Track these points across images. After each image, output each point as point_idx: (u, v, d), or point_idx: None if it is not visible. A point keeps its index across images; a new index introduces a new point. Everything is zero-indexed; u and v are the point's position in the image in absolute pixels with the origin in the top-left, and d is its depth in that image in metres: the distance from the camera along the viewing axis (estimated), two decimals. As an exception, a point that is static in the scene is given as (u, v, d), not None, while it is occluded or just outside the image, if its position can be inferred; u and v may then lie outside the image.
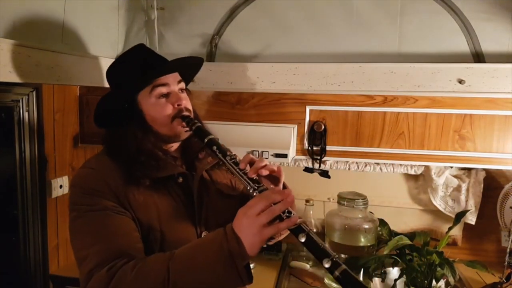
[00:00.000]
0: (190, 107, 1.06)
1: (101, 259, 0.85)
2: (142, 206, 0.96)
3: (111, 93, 1.07)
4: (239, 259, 0.77)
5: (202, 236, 1.02)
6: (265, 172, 0.93)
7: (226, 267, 0.77)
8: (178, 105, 1.01)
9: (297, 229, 0.79)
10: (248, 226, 0.77)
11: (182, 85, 1.07)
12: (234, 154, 0.97)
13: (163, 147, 1.05)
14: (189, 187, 1.05)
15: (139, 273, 0.81)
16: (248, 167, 0.93)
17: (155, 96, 1.00)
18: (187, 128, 1.02)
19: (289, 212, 0.80)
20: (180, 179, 1.04)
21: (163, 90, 1.01)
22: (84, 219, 0.92)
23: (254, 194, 0.87)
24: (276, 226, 0.77)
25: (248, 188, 0.90)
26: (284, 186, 1.03)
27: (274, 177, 0.98)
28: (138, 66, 1.03)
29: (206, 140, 0.98)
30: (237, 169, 0.93)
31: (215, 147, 0.97)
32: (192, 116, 1.05)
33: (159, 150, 1.03)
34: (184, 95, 1.06)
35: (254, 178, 0.91)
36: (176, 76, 1.05)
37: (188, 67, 1.13)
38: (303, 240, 0.78)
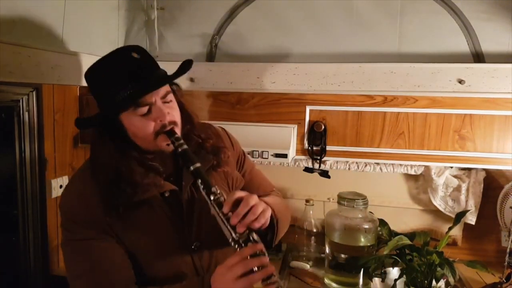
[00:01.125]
0: (176, 117, 0.98)
1: None
2: (124, 231, 0.96)
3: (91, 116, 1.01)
4: None
5: (193, 247, 1.01)
6: (252, 225, 0.90)
7: None
8: (160, 121, 0.94)
9: None
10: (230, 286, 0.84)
11: (168, 97, 0.97)
12: (220, 192, 0.92)
13: (147, 159, 0.98)
14: (177, 200, 1.00)
15: None
16: (230, 213, 0.89)
17: (135, 115, 0.93)
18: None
19: (268, 277, 0.86)
20: (167, 194, 0.99)
21: (144, 109, 0.93)
22: (70, 248, 0.97)
23: (236, 247, 0.88)
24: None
25: (230, 240, 0.89)
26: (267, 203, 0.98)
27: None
28: (117, 80, 0.93)
29: (191, 169, 0.93)
30: (220, 213, 0.90)
31: (199, 181, 0.92)
32: (178, 125, 0.98)
33: (143, 164, 0.96)
34: (169, 105, 0.97)
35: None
36: (158, 90, 0.94)
37: (173, 79, 1.01)
38: None
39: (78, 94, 1.81)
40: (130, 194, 0.92)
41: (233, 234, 0.89)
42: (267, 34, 1.69)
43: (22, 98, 1.52)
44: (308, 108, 1.62)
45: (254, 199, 0.92)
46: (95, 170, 0.96)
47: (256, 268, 0.86)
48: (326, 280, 1.59)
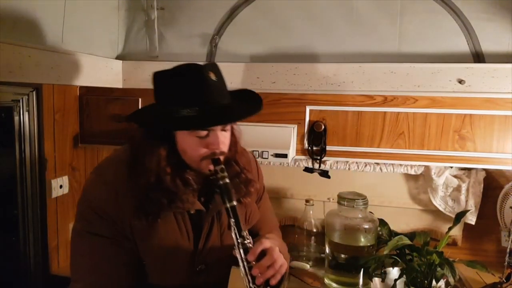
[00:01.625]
0: (227, 147, 0.99)
1: None
2: (143, 233, 0.96)
3: (152, 113, 0.98)
4: None
5: (198, 268, 1.01)
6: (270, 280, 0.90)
7: None
8: (214, 148, 0.94)
9: None
10: None
11: (228, 126, 0.98)
12: (249, 237, 0.92)
13: (185, 174, 0.97)
14: (200, 220, 1.01)
15: None
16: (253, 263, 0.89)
17: (193, 135, 0.93)
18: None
19: None
20: (193, 211, 1.00)
21: (203, 133, 0.93)
22: (82, 239, 0.95)
23: None
24: None
25: (246, 284, 0.90)
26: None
27: None
28: (188, 97, 0.91)
29: (227, 206, 0.92)
30: (245, 259, 0.90)
31: (233, 221, 0.91)
32: (225, 154, 0.97)
33: (181, 177, 0.96)
34: (225, 134, 0.98)
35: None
36: None
37: (247, 117, 0.97)
38: None
39: (78, 94, 1.81)
40: (164, 204, 0.92)
41: (250, 284, 0.90)
42: (267, 34, 1.69)
43: (22, 98, 1.52)
44: (308, 108, 1.62)
45: (276, 252, 0.92)
46: (137, 172, 0.94)
47: None
48: (326, 280, 1.59)
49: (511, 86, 1.46)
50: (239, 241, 0.90)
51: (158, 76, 0.96)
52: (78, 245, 0.97)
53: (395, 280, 1.44)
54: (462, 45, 1.56)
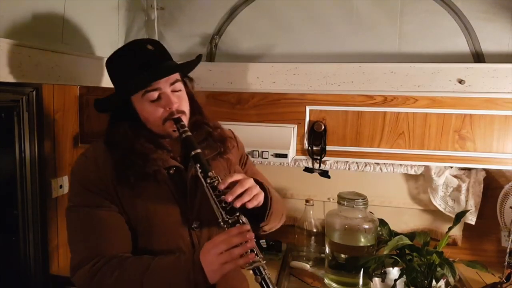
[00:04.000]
0: (184, 107, 1.07)
1: (85, 256, 0.99)
2: (130, 200, 1.03)
3: (106, 97, 1.09)
4: (202, 286, 0.93)
5: (193, 226, 1.06)
6: (246, 205, 0.96)
7: None
8: (168, 108, 1.03)
9: (255, 270, 0.93)
10: (211, 263, 0.91)
11: (177, 85, 1.06)
12: (216, 176, 0.99)
13: (158, 139, 1.07)
14: (182, 178, 1.07)
15: (117, 280, 0.95)
16: (226, 192, 0.96)
17: (146, 100, 1.02)
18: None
19: (252, 251, 0.93)
20: (172, 170, 1.06)
21: (154, 95, 1.02)
22: (75, 214, 1.04)
23: (225, 227, 0.96)
24: (234, 263, 0.91)
25: (220, 220, 0.97)
26: (259, 183, 1.05)
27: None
28: (131, 67, 1.03)
29: (191, 154, 1.01)
30: (214, 195, 0.97)
31: (198, 165, 1.00)
32: (186, 114, 1.06)
33: (153, 142, 1.05)
34: (178, 94, 1.06)
35: (231, 206, 0.96)
36: (168, 78, 1.03)
37: (180, 69, 1.10)
38: (258, 281, 0.93)
39: (78, 94, 1.81)
40: (140, 165, 1.00)
41: (224, 215, 0.96)
42: (267, 34, 1.69)
43: (22, 98, 1.52)
44: (308, 108, 1.62)
45: (249, 182, 0.98)
46: (110, 146, 1.05)
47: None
48: (326, 280, 1.59)
49: (511, 86, 1.46)
50: (207, 181, 0.98)
51: (107, 62, 1.09)
52: (72, 220, 1.05)
53: (395, 280, 1.44)
54: (462, 45, 1.56)
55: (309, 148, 1.63)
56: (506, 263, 1.49)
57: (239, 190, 0.95)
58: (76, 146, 1.80)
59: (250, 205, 0.97)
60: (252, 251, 0.93)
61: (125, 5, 1.75)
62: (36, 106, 1.57)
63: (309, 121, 1.63)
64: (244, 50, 1.73)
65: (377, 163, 1.74)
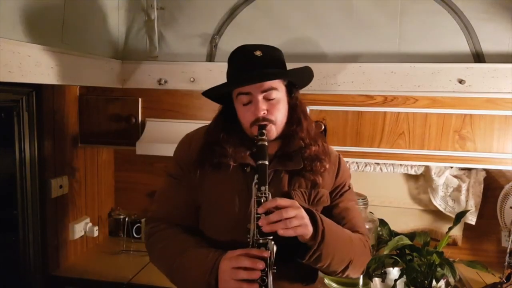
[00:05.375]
0: (274, 116, 1.06)
1: (156, 215, 1.16)
2: (204, 183, 1.10)
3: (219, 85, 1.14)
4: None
5: (247, 227, 1.02)
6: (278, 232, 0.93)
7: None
8: (256, 114, 1.04)
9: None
10: (224, 272, 0.94)
11: (271, 93, 1.05)
12: (268, 193, 0.97)
13: (247, 139, 1.10)
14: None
15: (161, 250, 1.09)
16: (263, 215, 0.94)
17: (239, 102, 1.07)
18: None
19: (263, 280, 0.93)
20: (248, 168, 1.08)
21: (244, 99, 1.06)
22: (165, 179, 1.18)
23: (250, 244, 0.97)
24: (238, 284, 0.92)
25: (250, 235, 0.98)
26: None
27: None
28: (231, 71, 1.10)
29: (258, 163, 1.01)
30: (255, 210, 0.97)
31: (257, 175, 1.00)
32: (275, 123, 1.06)
33: (239, 139, 1.10)
34: (271, 103, 1.06)
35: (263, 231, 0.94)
36: (262, 84, 1.04)
37: (272, 77, 1.06)
38: None
39: (78, 94, 1.81)
40: (217, 155, 1.08)
41: (255, 233, 0.96)
42: (267, 34, 1.69)
43: (22, 98, 1.52)
44: (308, 108, 1.62)
45: (294, 212, 0.93)
46: (206, 132, 1.15)
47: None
48: (326, 280, 1.59)
49: (511, 86, 1.46)
50: (257, 194, 0.98)
51: (228, 60, 1.13)
52: (163, 182, 1.19)
53: (395, 280, 1.44)
54: (462, 45, 1.56)
55: (309, 148, 1.62)
56: (506, 263, 1.49)
57: (274, 218, 0.92)
58: (76, 146, 1.80)
59: (282, 233, 0.92)
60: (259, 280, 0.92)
61: (125, 5, 1.75)
62: (36, 106, 1.57)
63: (309, 121, 1.62)
64: (244, 50, 1.73)
65: (377, 163, 1.74)
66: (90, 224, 1.86)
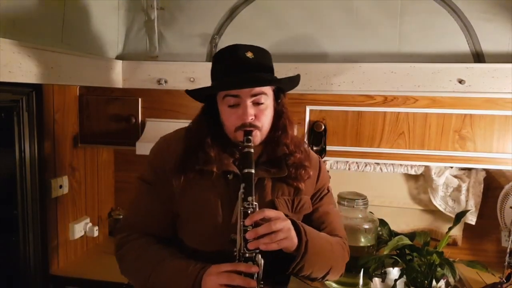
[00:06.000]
0: (261, 122, 1.03)
1: (128, 224, 1.10)
2: (182, 190, 1.05)
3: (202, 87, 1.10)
4: None
5: (231, 238, 1.00)
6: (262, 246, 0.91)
7: None
8: (243, 118, 1.01)
9: None
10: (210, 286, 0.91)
11: (260, 98, 1.02)
12: (254, 204, 0.95)
13: (230, 145, 1.07)
14: (238, 188, 1.01)
15: (135, 260, 1.02)
16: (250, 227, 0.92)
17: (225, 103, 1.02)
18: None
19: None
20: (231, 176, 1.05)
21: (231, 101, 1.01)
22: (138, 184, 1.11)
23: (237, 258, 0.94)
24: None
25: (236, 248, 0.94)
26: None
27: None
28: (222, 68, 1.04)
29: (244, 172, 0.97)
30: (242, 222, 0.93)
31: (243, 184, 0.96)
32: (261, 130, 1.03)
33: (222, 145, 1.06)
34: (259, 108, 1.02)
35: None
36: (251, 88, 1.00)
37: (264, 83, 1.04)
38: None
39: (78, 94, 1.81)
40: (201, 161, 1.03)
41: (242, 247, 0.92)
42: (267, 34, 1.69)
43: (22, 98, 1.52)
44: (308, 108, 1.62)
45: (281, 225, 0.92)
46: (187, 135, 1.09)
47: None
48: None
49: (511, 86, 1.46)
50: (243, 204, 0.94)
51: (213, 58, 1.10)
52: (136, 188, 1.13)
53: (395, 280, 1.44)
54: (462, 45, 1.56)
55: (309, 148, 1.62)
56: (506, 263, 1.49)
57: (262, 231, 0.90)
58: (76, 146, 1.80)
59: (264, 248, 0.91)
60: None
61: (125, 5, 1.75)
62: (36, 106, 1.57)
63: (309, 121, 1.63)
64: (244, 50, 1.73)
65: (377, 163, 1.73)
66: (90, 224, 1.86)
